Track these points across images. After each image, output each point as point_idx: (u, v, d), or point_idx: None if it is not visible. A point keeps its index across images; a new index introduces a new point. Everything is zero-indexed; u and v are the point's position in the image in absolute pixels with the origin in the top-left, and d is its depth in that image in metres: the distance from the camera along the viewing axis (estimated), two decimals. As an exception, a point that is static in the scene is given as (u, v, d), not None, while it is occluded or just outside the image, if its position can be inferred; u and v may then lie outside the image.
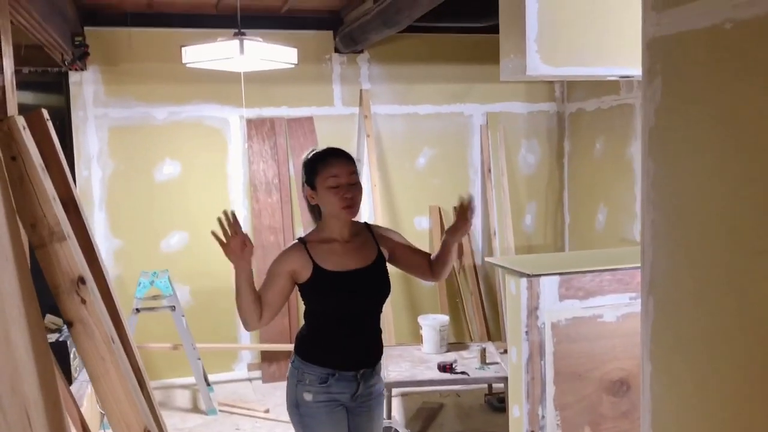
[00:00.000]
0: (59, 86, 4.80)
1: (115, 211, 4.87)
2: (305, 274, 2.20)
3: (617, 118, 5.09)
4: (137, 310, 4.22)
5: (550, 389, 2.82)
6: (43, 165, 1.99)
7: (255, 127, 5.09)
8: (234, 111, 5.02)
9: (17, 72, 4.95)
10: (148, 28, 4.78)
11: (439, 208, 5.44)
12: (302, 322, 2.38)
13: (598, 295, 2.88)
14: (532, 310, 2.78)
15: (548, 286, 2.79)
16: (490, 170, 5.49)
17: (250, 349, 5.08)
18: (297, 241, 2.28)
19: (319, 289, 2.22)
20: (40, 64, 4.60)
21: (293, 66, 3.76)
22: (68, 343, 3.99)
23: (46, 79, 4.78)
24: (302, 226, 5.08)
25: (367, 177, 5.26)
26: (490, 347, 4.26)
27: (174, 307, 4.24)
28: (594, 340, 2.89)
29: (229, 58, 3.45)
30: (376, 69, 5.29)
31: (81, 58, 4.00)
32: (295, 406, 2.26)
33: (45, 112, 2.26)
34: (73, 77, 4.75)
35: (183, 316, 4.49)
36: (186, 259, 4.98)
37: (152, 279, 4.25)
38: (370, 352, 2.32)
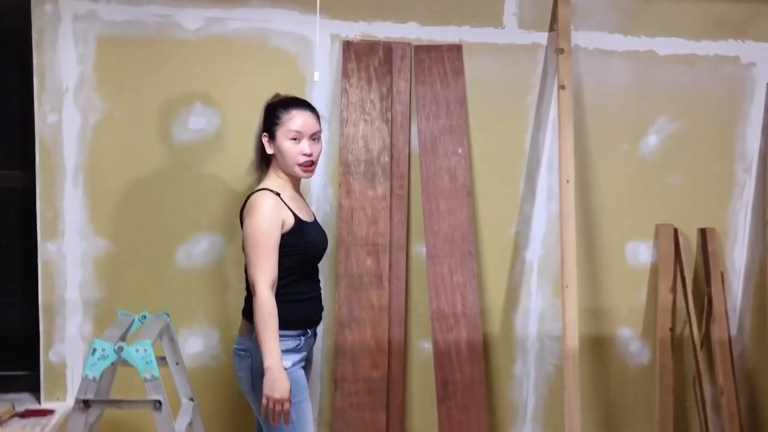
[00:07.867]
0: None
1: (101, 190, 2.73)
2: (288, 224, 2.13)
3: None
4: (85, 403, 2.03)
5: None
6: None
7: (357, 55, 2.80)
8: (323, 24, 2.75)
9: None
10: None
11: (675, 230, 3.02)
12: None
13: None
14: None
15: None
16: (773, 167, 3.01)
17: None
18: (267, 190, 2.13)
19: (302, 239, 2.16)
20: None
21: None
22: None
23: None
24: (425, 243, 2.81)
25: (547, 164, 2.91)
26: None
27: (159, 402, 2.03)
28: None
29: None
30: (586, -36, 2.88)
31: None
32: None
33: None
34: (36, -61, 2.59)
35: (190, 414, 2.31)
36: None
37: (119, 345, 2.05)
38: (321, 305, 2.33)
